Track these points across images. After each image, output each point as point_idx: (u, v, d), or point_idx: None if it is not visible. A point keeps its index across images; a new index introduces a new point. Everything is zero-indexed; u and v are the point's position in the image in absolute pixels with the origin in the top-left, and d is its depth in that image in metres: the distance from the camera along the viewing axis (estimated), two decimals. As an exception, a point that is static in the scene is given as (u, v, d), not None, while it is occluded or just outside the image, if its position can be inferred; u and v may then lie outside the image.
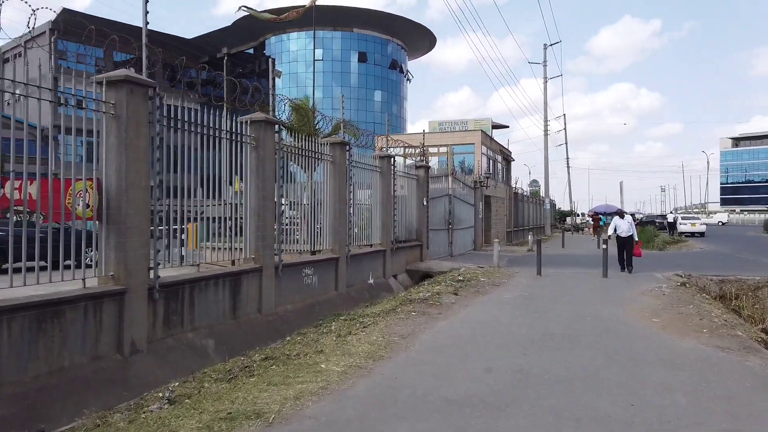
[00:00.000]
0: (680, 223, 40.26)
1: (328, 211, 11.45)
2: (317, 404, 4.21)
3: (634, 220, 49.32)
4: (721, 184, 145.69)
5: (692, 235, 38.41)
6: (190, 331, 7.51)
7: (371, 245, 13.82)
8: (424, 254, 17.19)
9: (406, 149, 18.58)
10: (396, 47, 59.40)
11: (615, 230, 14.96)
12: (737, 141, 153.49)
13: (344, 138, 12.36)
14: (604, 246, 13.49)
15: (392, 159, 14.64)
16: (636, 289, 11.23)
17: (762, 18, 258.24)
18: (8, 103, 6.06)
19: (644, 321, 7.93)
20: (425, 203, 17.32)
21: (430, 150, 27.81)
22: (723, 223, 74.70)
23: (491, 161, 30.55)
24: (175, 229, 7.87)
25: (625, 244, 14.76)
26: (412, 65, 66.92)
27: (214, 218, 8.91)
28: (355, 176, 12.95)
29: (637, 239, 14.94)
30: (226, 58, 55.88)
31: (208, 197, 8.47)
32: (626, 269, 14.54)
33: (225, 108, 9.12)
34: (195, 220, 8.71)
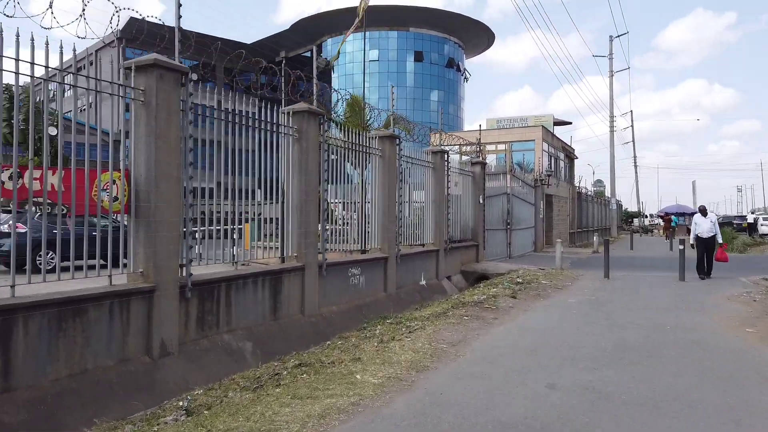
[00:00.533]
0: (761, 224, 37.23)
1: (377, 208, 10.85)
2: (345, 425, 3.56)
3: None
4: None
5: (775, 236, 35.42)
6: (226, 333, 7.07)
7: (423, 245, 13.11)
8: (480, 255, 16.30)
9: (462, 147, 17.73)
10: (453, 46, 58.33)
11: (695, 230, 12.96)
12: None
13: (394, 131, 11.73)
14: (681, 246, 12.19)
15: (446, 154, 13.88)
16: (719, 293, 9.98)
17: None
18: (81, 110, 5.83)
19: (736, 331, 6.83)
20: (481, 201, 16.43)
21: (488, 148, 26.78)
22: None
23: (553, 158, 29.08)
24: (220, 227, 7.53)
25: (706, 246, 12.74)
26: (470, 64, 65.62)
27: (265, 217, 8.56)
28: (406, 172, 12.30)
29: (721, 241, 13.07)
30: (284, 61, 56.85)
31: (263, 196, 8.11)
32: (705, 275, 12.62)
33: (282, 102, 8.75)
34: (248, 219, 8.32)
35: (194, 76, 6.94)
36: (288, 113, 8.38)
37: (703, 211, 13.29)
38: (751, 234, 36.68)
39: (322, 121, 8.96)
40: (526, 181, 22.70)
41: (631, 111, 55.73)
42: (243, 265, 7.85)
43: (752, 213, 53.42)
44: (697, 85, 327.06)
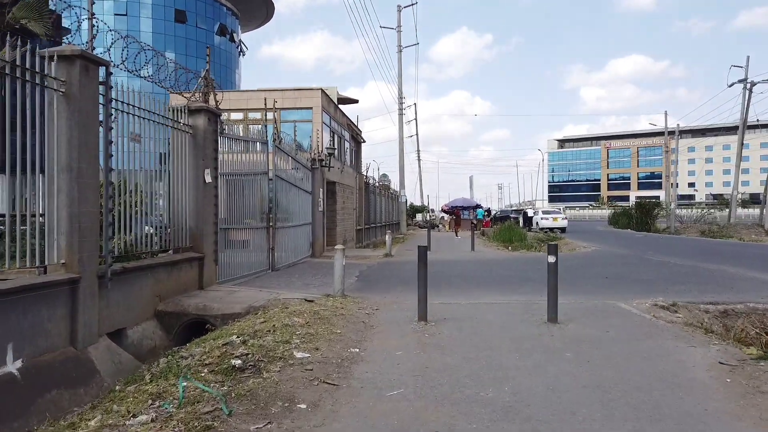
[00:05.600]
0: (542, 218, 36.89)
1: None
2: None
3: (489, 215, 46.05)
4: (548, 182, 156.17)
5: (551, 230, 35.21)
6: None
7: (45, 267, 5.61)
8: (207, 274, 9.20)
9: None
10: (225, 11, 49.67)
11: None
12: (562, 142, 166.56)
13: None
14: (552, 259, 6.66)
15: (101, 67, 6.42)
16: (662, 358, 4.55)
17: (572, 39, 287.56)
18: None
19: None
20: (209, 180, 9.33)
21: (251, 116, 19.73)
22: None
23: (337, 137, 23.27)
24: None
25: None
26: (249, 43, 57.59)
27: None
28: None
29: None
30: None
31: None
32: None
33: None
34: None
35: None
36: None
37: None
38: (528, 227, 36.17)
39: None
40: (299, 160, 16.19)
41: (415, 104, 53.72)
42: None
43: (530, 208, 55.50)
44: (462, 96, 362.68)
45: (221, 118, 10.16)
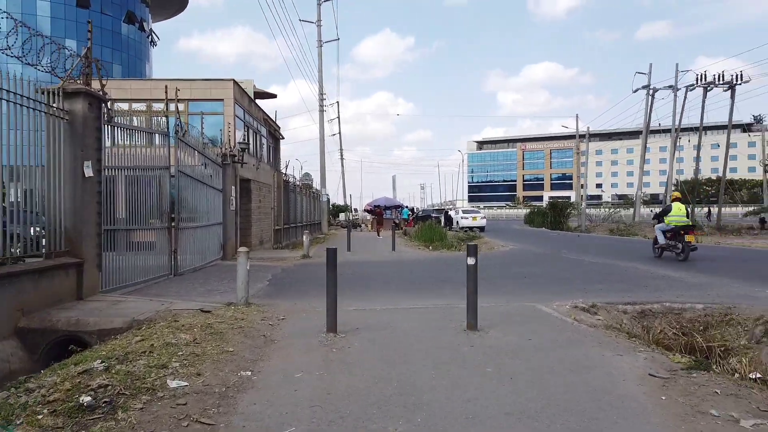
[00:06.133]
0: (462, 218, 37.29)
1: None
2: None
3: (413, 213, 46.23)
4: (468, 183, 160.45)
5: (471, 229, 35.68)
6: None
7: None
8: (88, 282, 8.00)
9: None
10: (134, -3, 46.46)
11: None
12: (481, 144, 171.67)
13: None
14: (471, 261, 6.15)
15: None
16: (590, 371, 4.13)
17: (490, 44, 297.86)
18: None
19: None
20: (89, 173, 8.11)
21: (155, 107, 18.16)
22: None
23: (252, 132, 22.02)
24: None
25: None
26: (162, 30, 54.32)
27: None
28: None
29: None
30: None
31: None
32: None
33: None
34: None
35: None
36: None
37: None
38: (449, 226, 36.46)
39: None
40: (207, 155, 15.00)
41: (338, 102, 52.87)
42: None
43: (450, 208, 56.15)
44: (385, 97, 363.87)
45: (108, 104, 8.95)
